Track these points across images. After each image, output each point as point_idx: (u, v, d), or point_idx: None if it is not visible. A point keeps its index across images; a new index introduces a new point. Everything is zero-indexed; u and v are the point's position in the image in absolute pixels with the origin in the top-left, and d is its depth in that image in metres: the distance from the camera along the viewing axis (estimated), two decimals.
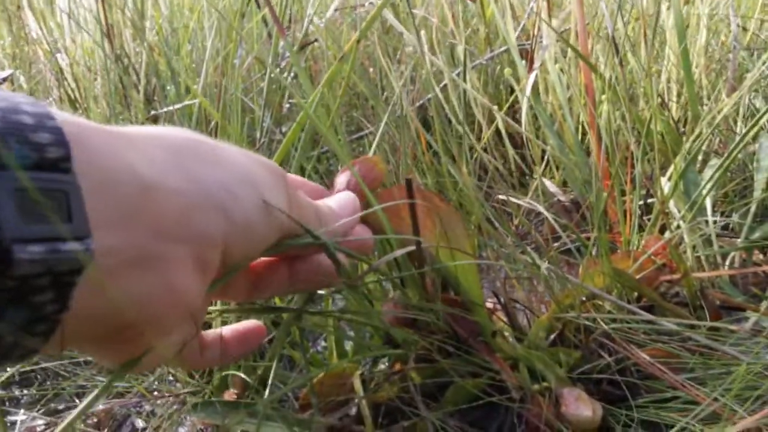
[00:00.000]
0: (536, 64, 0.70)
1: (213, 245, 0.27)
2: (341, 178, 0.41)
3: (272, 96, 0.66)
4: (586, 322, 0.44)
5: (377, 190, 0.41)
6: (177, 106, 0.74)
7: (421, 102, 0.80)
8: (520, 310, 0.52)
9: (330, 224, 0.35)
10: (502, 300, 0.51)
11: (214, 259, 0.28)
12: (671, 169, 0.60)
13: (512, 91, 0.75)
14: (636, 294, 0.50)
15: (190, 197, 0.26)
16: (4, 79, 0.69)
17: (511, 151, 0.74)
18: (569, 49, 0.74)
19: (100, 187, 0.23)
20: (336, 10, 0.71)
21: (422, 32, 0.75)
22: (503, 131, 0.74)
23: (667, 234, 0.51)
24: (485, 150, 0.74)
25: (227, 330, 0.36)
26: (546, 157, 0.74)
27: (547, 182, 0.71)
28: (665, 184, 0.59)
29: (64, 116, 0.23)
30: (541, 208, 0.56)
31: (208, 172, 0.28)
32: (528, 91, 0.68)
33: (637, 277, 0.48)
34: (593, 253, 0.53)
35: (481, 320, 0.46)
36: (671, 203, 0.59)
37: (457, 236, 0.44)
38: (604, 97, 0.69)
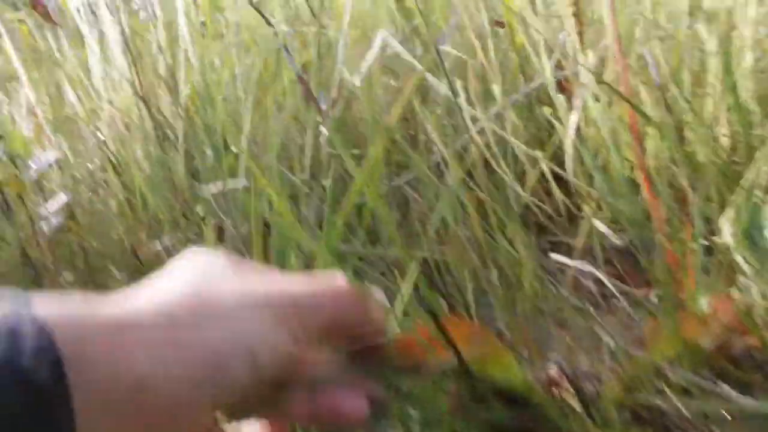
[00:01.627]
0: (577, 103, 0.69)
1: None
2: None
3: (315, 168, 0.66)
4: (659, 403, 0.43)
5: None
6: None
7: (458, 146, 0.80)
8: (584, 379, 0.51)
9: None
10: (566, 372, 0.51)
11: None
12: (730, 209, 0.58)
13: (552, 125, 0.74)
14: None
15: (181, 390, 0.28)
16: (51, 164, 0.70)
17: (557, 194, 0.73)
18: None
19: (96, 400, 0.25)
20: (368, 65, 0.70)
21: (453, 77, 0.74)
22: (548, 173, 0.72)
23: (735, 291, 0.49)
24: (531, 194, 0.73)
25: None
26: (594, 198, 0.72)
27: (598, 223, 0.70)
28: (725, 227, 0.57)
29: (65, 334, 0.25)
30: (594, 270, 0.54)
31: (199, 344, 0.29)
32: (571, 135, 0.67)
33: (709, 345, 0.47)
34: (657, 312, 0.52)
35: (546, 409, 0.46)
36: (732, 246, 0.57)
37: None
38: (649, 131, 0.67)
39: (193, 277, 0.31)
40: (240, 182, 0.60)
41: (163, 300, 0.30)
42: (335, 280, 0.36)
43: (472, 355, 0.43)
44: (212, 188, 0.64)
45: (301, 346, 0.32)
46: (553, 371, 0.55)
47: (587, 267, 0.55)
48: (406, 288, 0.43)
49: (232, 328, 0.30)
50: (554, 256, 0.58)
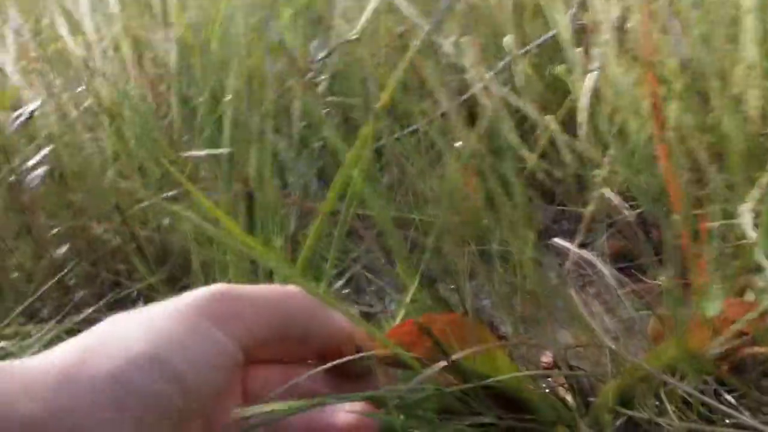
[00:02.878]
0: (594, 65, 0.63)
1: None
2: None
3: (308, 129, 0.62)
4: (657, 419, 0.41)
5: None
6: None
7: (463, 98, 0.74)
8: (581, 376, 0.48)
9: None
10: (559, 363, 0.48)
11: None
12: (755, 190, 0.53)
13: (566, 85, 0.68)
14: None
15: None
16: (32, 113, 0.66)
17: (568, 159, 0.68)
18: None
19: None
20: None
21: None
22: (558, 136, 0.67)
23: (749, 295, 0.46)
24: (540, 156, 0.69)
25: None
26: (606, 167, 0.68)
27: (610, 194, 0.66)
28: (745, 215, 0.53)
29: None
30: (595, 261, 0.51)
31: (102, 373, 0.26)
32: (586, 100, 0.62)
33: (715, 350, 0.44)
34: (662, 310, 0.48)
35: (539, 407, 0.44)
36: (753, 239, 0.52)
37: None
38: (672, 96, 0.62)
39: (95, 329, 0.29)
40: (224, 150, 0.56)
41: (57, 350, 0.28)
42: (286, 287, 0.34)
43: (461, 352, 0.41)
44: (198, 153, 0.60)
45: (249, 351, 0.30)
46: (546, 358, 0.52)
47: (589, 255, 0.52)
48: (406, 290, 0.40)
49: (135, 346, 0.27)
50: (556, 241, 0.54)
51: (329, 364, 0.33)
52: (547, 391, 0.47)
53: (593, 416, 0.46)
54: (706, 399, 0.39)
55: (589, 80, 0.61)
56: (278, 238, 0.50)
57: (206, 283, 0.59)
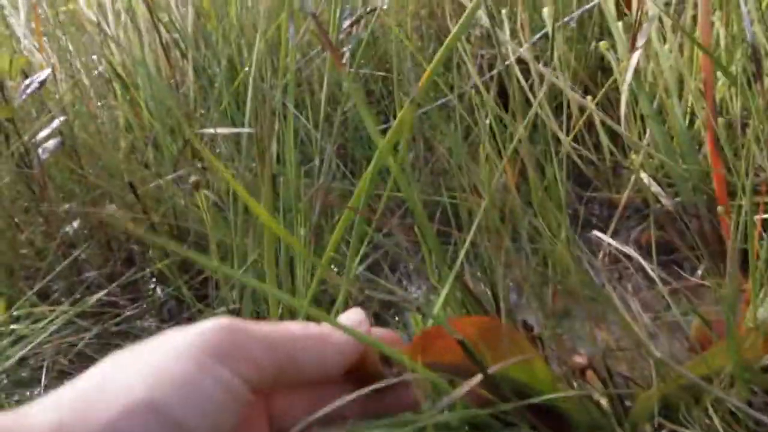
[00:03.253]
0: (639, 42, 0.59)
1: None
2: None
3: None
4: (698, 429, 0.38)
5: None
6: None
7: (493, 73, 0.70)
8: (617, 379, 0.46)
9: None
10: (595, 365, 0.46)
11: None
12: None
13: (607, 62, 0.64)
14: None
15: None
16: (42, 83, 0.63)
17: (605, 141, 0.64)
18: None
19: None
20: None
21: None
22: (596, 117, 0.64)
23: None
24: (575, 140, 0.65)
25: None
26: (646, 150, 0.64)
27: (648, 180, 0.62)
28: None
29: None
30: (635, 256, 0.47)
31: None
32: (629, 78, 0.58)
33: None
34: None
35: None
36: None
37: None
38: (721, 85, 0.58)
39: (95, 373, 0.27)
40: (245, 129, 0.53)
41: (54, 398, 0.26)
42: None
43: (495, 359, 0.38)
44: (218, 130, 0.57)
45: (259, 387, 0.28)
46: (581, 359, 0.50)
47: (630, 251, 0.48)
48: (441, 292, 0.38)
49: (133, 393, 0.25)
50: (596, 234, 0.51)
51: (354, 395, 0.31)
52: (581, 395, 0.44)
53: (632, 424, 0.43)
54: (757, 415, 0.37)
55: (634, 58, 0.57)
56: (302, 226, 0.47)
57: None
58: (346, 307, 0.46)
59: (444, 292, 0.38)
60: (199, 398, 0.26)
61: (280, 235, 0.42)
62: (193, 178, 0.45)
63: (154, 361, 0.27)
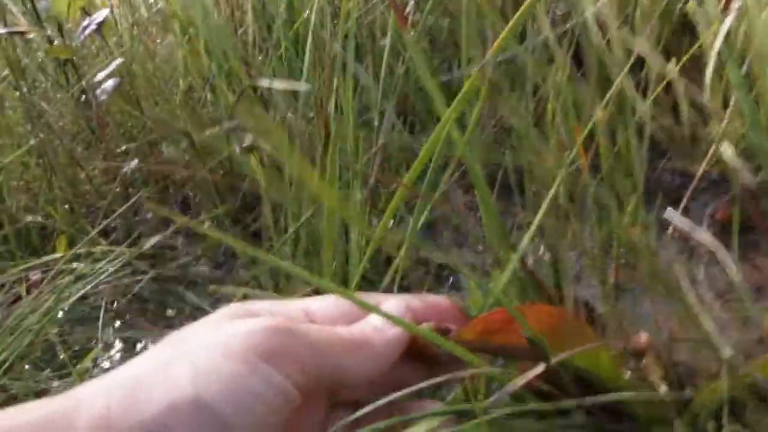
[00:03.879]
0: (735, 4, 0.54)
1: None
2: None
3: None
4: None
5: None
6: None
7: (567, 27, 0.66)
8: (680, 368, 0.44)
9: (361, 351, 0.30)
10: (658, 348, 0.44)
11: None
12: None
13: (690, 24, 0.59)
14: None
15: None
16: (100, 23, 0.62)
17: (685, 109, 0.60)
18: None
19: None
20: None
21: None
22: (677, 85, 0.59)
23: None
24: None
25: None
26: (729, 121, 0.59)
27: (729, 152, 0.58)
28: None
29: None
30: (710, 241, 0.44)
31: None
32: (719, 44, 0.53)
33: None
34: None
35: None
36: None
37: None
38: None
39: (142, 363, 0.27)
40: (303, 85, 0.51)
41: (102, 387, 0.26)
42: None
43: (557, 348, 0.37)
44: (275, 85, 0.55)
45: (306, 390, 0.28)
46: (641, 341, 0.48)
47: (707, 237, 0.45)
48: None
49: (180, 389, 0.25)
50: (672, 213, 0.48)
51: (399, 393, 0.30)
52: (640, 381, 0.43)
53: (692, 416, 0.41)
54: None
55: (727, 22, 0.52)
56: (358, 190, 0.46)
57: (275, 224, 0.56)
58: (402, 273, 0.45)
59: (505, 276, 0.37)
60: (248, 397, 0.26)
61: (333, 202, 0.40)
62: (247, 138, 0.44)
63: (202, 357, 0.26)
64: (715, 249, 0.49)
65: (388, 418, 0.30)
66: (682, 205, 0.53)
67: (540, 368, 0.33)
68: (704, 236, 0.48)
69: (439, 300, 0.36)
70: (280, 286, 0.51)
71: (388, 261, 0.55)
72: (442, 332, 0.34)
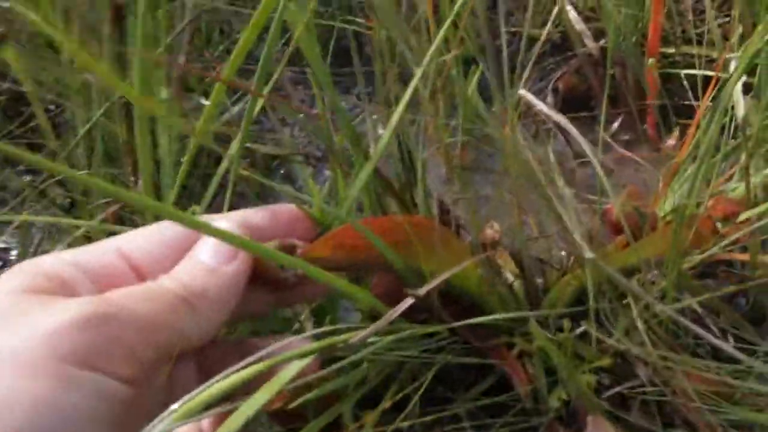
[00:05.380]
0: None
1: None
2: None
3: None
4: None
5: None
6: None
7: None
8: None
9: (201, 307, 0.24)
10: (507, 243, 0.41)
11: None
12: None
13: None
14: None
15: None
16: None
17: None
18: None
19: None
20: None
21: None
22: None
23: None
24: None
25: None
26: None
27: (575, 17, 0.54)
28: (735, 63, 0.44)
29: None
30: (564, 123, 0.41)
31: None
32: None
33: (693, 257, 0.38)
34: None
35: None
36: None
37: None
38: None
39: None
40: None
41: None
42: None
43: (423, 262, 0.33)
44: None
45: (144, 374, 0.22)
46: (491, 231, 0.45)
47: (557, 116, 0.42)
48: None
49: None
50: (524, 93, 0.44)
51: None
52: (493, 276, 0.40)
53: (545, 314, 0.40)
54: (683, 320, 0.34)
55: None
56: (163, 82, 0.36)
57: (55, 129, 0.44)
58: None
59: (354, 190, 0.31)
60: (65, 421, 0.19)
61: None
62: None
63: None
64: (565, 125, 0.46)
65: (241, 358, 0.25)
66: (525, 75, 0.49)
67: (410, 300, 0.29)
68: (557, 117, 0.45)
69: (284, 209, 0.30)
70: (77, 206, 0.41)
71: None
72: (288, 250, 0.29)
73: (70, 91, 0.38)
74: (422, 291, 0.30)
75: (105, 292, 0.23)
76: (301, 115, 0.35)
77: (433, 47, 0.32)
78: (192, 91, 0.49)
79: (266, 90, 0.34)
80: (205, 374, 0.26)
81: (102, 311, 0.21)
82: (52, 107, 0.43)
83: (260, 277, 0.28)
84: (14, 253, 0.51)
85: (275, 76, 0.34)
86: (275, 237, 0.29)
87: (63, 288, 0.23)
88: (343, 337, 0.30)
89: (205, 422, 0.28)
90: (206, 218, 0.28)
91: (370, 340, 0.30)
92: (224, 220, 0.27)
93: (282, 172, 0.53)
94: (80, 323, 0.20)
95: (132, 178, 0.40)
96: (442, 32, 0.32)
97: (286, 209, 0.30)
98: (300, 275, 0.29)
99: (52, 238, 0.49)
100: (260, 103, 0.33)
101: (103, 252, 0.25)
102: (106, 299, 0.22)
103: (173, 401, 0.25)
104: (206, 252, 0.26)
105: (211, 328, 0.25)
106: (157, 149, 0.39)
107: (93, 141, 0.40)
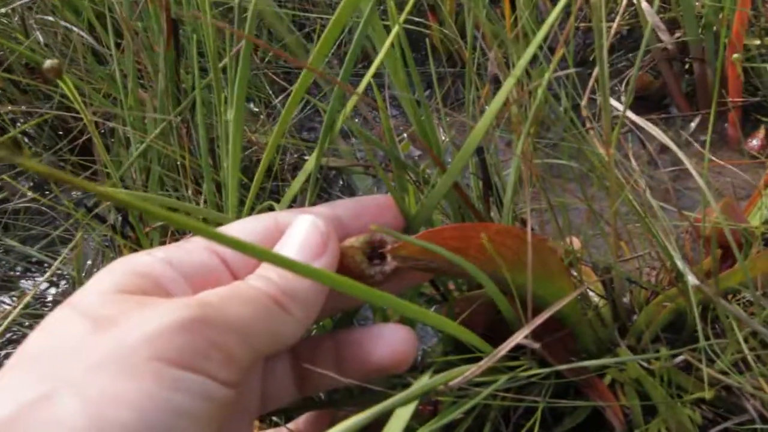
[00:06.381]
0: None
1: None
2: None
3: None
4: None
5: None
6: None
7: None
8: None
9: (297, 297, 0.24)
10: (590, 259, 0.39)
11: None
12: None
13: None
14: None
15: None
16: None
17: None
18: None
19: None
20: None
21: None
22: None
23: None
24: None
25: None
26: None
27: (647, 8, 0.50)
28: None
29: None
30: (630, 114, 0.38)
31: None
32: None
33: None
34: None
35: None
36: None
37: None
38: None
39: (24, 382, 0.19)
40: None
41: None
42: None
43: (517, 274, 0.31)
44: None
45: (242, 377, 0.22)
46: (575, 245, 0.42)
47: (616, 104, 0.38)
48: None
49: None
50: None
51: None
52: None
53: (635, 337, 0.37)
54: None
55: None
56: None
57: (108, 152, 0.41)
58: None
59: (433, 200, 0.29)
60: (168, 419, 0.19)
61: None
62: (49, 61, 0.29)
63: (94, 384, 0.19)
64: (651, 131, 0.43)
65: (333, 351, 0.28)
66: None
67: (524, 332, 0.26)
68: (636, 118, 0.41)
69: (370, 200, 0.30)
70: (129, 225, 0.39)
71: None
72: (377, 245, 0.28)
73: (122, 111, 0.36)
74: (527, 330, 0.27)
75: (198, 290, 0.23)
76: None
77: (531, 48, 0.28)
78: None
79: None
80: (299, 367, 0.28)
81: (202, 315, 0.21)
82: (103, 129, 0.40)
83: (347, 273, 0.27)
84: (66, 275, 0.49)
85: (354, 95, 0.31)
86: (362, 229, 0.28)
87: (156, 287, 0.23)
88: (441, 378, 0.28)
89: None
90: (293, 212, 0.27)
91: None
92: (312, 214, 0.27)
93: (341, 183, 0.50)
94: (181, 326, 0.20)
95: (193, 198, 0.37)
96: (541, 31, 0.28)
97: (371, 200, 0.30)
98: (386, 273, 0.28)
99: (105, 257, 0.47)
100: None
101: (195, 249, 0.25)
102: (204, 303, 0.21)
103: (269, 396, 0.27)
104: (293, 247, 0.26)
105: (303, 326, 0.25)
106: (219, 170, 0.36)
107: (147, 161, 0.37)
